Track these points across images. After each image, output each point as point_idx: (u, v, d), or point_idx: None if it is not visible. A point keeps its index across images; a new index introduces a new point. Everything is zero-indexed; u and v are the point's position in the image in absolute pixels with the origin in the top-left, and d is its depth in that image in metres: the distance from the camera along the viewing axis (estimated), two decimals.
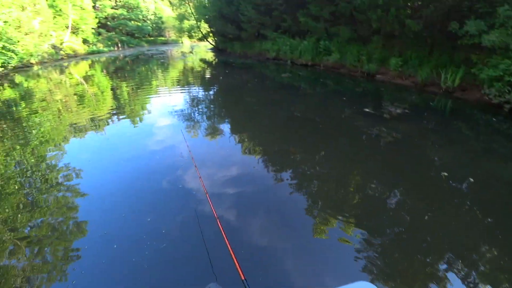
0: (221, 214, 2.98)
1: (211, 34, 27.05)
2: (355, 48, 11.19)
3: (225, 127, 6.05)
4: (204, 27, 27.78)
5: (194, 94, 9.52)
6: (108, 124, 6.64)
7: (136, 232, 2.82)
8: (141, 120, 6.83)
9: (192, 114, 6.88)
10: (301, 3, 13.60)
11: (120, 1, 42.89)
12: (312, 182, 3.70)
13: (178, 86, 11.26)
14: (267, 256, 2.47)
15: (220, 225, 1.99)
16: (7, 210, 3.29)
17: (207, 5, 24.35)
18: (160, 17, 49.57)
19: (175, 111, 7.18)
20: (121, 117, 7.19)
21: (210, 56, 24.32)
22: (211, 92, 10.00)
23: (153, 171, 4.05)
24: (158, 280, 2.25)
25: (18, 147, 5.34)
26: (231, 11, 19.22)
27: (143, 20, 46.40)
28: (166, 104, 8.22)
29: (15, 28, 17.98)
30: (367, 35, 11.02)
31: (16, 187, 3.85)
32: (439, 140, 5.04)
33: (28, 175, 4.21)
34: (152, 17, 49.01)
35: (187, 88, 10.73)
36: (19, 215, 3.19)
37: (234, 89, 10.25)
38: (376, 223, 2.88)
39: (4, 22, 14.71)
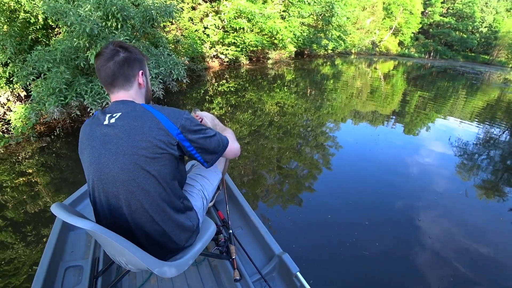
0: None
1: None
2: None
3: (503, 191, 4.42)
4: None
5: (490, 134, 7.07)
6: (383, 123, 6.88)
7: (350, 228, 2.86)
8: (415, 134, 6.31)
9: (473, 156, 5.33)
10: None
11: (452, 9, 39.19)
12: None
13: (475, 117, 8.97)
14: None
15: None
16: (283, 144, 4.55)
17: None
18: (496, 31, 40.15)
19: (455, 143, 5.87)
20: (398, 122, 7.16)
21: None
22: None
23: (396, 193, 3.60)
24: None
25: (312, 109, 6.96)
26: None
27: (471, 32, 40.18)
28: (449, 130, 6.89)
29: (352, 23, 22.01)
30: None
31: (295, 133, 5.17)
32: None
33: (307, 131, 5.48)
34: (485, 30, 41.03)
35: (486, 122, 8.22)
36: (288, 150, 4.35)
37: None
38: None
39: (347, 18, 18.37)
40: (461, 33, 39.18)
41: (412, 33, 34.35)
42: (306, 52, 17.19)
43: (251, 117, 5.54)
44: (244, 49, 10.69)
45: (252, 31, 11.02)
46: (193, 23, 9.77)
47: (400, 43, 33.74)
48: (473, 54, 42.04)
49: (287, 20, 13.72)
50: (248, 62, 11.49)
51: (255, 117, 5.58)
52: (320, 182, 3.64)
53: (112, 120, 0.95)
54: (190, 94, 6.64)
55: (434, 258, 2.49)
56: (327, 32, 17.56)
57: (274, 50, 13.19)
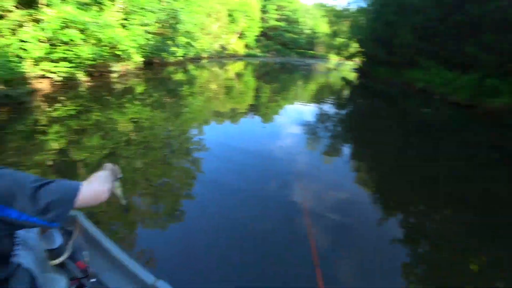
0: (316, 232, 2.95)
1: (359, 54, 26.44)
2: None
3: (341, 150, 5.91)
4: (355, 46, 27.47)
5: (324, 110, 9.61)
6: (242, 117, 7.68)
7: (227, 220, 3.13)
8: (271, 121, 7.55)
9: (316, 131, 6.92)
10: (474, 30, 11.55)
11: (283, 15, 47.95)
12: (419, 242, 3.14)
13: (312, 99, 11.67)
14: None
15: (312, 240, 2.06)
16: (147, 159, 4.36)
17: (363, 24, 23.93)
18: (315, 32, 52.68)
19: (302, 122, 7.46)
20: (255, 114, 8.15)
21: (352, 76, 23.86)
22: (341, 113, 9.83)
23: (264, 173, 4.29)
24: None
25: (172, 117, 6.90)
26: (386, 34, 18.22)
27: (299, 33, 50.49)
28: (297, 112, 8.75)
29: (199, 29, 22.90)
30: None
31: (159, 145, 5.03)
32: None
33: (171, 140, 5.42)
34: (308, 31, 52.79)
35: (320, 102, 10.95)
36: (154, 167, 4.18)
37: (365, 115, 9.72)
38: None
39: (194, 24, 19.01)
40: (292, 35, 48.42)
41: (255, 36, 39.11)
42: (155, 60, 16.67)
43: (102, 141, 4.98)
44: (80, 65, 9.30)
45: (87, 42, 9.78)
46: (1, 36, 7.82)
47: (246, 45, 37.59)
48: (303, 50, 52.73)
49: (129, 29, 12.90)
50: (88, 78, 10.03)
51: (107, 140, 5.05)
52: (197, 188, 3.73)
53: None
54: (11, 128, 5.30)
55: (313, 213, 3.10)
56: (175, 39, 17.60)
57: (118, 62, 12.08)
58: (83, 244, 1.55)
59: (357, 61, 26.93)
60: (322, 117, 8.62)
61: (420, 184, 4.43)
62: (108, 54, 10.69)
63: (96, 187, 1.00)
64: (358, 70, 26.53)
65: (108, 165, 1.21)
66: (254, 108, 8.85)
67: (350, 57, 28.31)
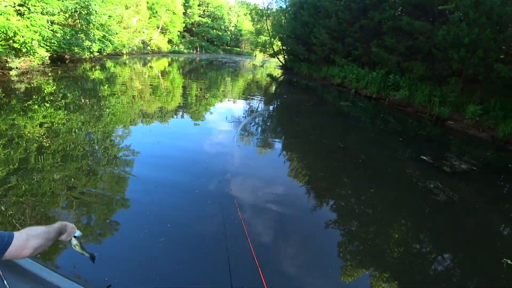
0: (247, 220, 3.02)
1: (282, 52, 27.82)
2: (427, 88, 10.46)
3: (271, 143, 6.14)
4: (277, 44, 28.79)
5: (252, 106, 9.90)
6: (171, 117, 7.32)
7: (163, 220, 3.06)
8: (201, 120, 7.36)
9: (247, 125, 7.13)
10: (377, 33, 13.30)
11: (207, 11, 47.31)
12: (349, 221, 3.50)
13: (241, 95, 11.83)
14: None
15: (246, 230, 2.08)
16: (67, 171, 3.81)
17: (283, 24, 25.22)
18: (240, 30, 53.53)
19: (232, 118, 7.57)
20: (185, 113, 7.85)
21: (277, 72, 24.99)
22: (269, 108, 10.27)
23: (195, 171, 4.30)
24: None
25: (92, 120, 6.15)
26: (305, 33, 19.59)
27: (224, 30, 50.52)
28: (226, 109, 8.79)
29: (117, 23, 20.91)
30: (444, 76, 10.23)
31: (81, 154, 4.43)
32: (511, 213, 4.19)
33: (93, 146, 4.83)
34: (233, 29, 53.30)
35: (248, 98, 11.19)
36: (78, 178, 3.67)
37: (291, 108, 10.38)
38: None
39: (109, 16, 17.25)
40: (217, 31, 48.06)
41: (179, 31, 37.52)
42: (66, 56, 14.64)
43: (6, 152, 4.14)
44: None
45: None
46: None
47: (170, 41, 35.85)
48: (229, 47, 53.12)
49: (28, 17, 10.99)
50: None
51: (12, 150, 4.22)
52: (130, 193, 3.48)
53: None
54: None
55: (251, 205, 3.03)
56: (88, 32, 15.72)
57: (17, 57, 10.21)
58: None
59: (280, 59, 28.30)
60: (251, 112, 8.88)
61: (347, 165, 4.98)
62: (2, 47, 8.93)
63: (30, 242, 0.95)
64: (283, 67, 27.95)
65: (62, 223, 1.19)
66: (182, 107, 8.53)
67: (274, 54, 29.57)
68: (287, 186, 4.18)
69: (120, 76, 13.47)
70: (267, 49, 30.99)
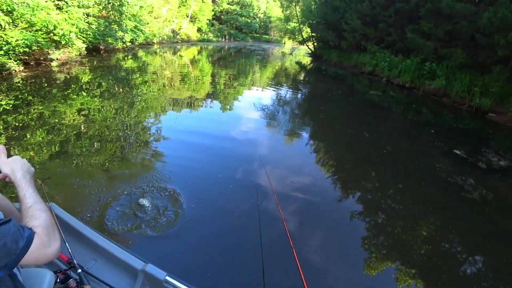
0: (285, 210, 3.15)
1: (312, 39, 27.05)
2: (467, 77, 9.72)
3: (299, 133, 6.12)
4: (307, 31, 28.00)
5: (281, 95, 9.87)
6: (200, 105, 7.52)
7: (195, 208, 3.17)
8: (230, 108, 7.53)
9: (275, 114, 7.24)
10: (413, 17, 12.48)
11: None
12: (375, 215, 3.45)
13: (269, 83, 11.80)
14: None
15: (286, 226, 2.48)
16: (102, 155, 4.08)
17: (313, 9, 24.41)
18: (269, 17, 52.35)
19: (261, 107, 7.70)
20: (213, 101, 8.04)
21: (306, 60, 24.42)
22: (298, 96, 10.13)
23: (226, 157, 4.44)
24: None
25: (125, 107, 6.48)
26: (335, 18, 18.83)
27: (253, 17, 49.81)
28: (255, 98, 8.88)
29: (148, 13, 21.44)
30: (488, 63, 9.43)
31: (114, 138, 4.72)
32: None
33: (126, 131, 5.11)
34: (262, 16, 52.30)
35: (276, 87, 11.12)
36: (111, 161, 3.92)
37: (319, 98, 10.16)
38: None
39: (140, 6, 17.74)
40: (246, 18, 47.50)
41: (207, 19, 37.64)
42: (101, 47, 15.33)
43: (49, 136, 4.52)
44: (10, 52, 8.16)
45: (17, 26, 8.60)
46: None
47: (199, 30, 36.14)
48: (257, 35, 52.38)
49: (66, 11, 11.61)
50: (22, 68, 8.90)
51: (54, 135, 4.60)
52: (163, 170, 3.77)
53: None
54: None
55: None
56: (121, 23, 16.30)
57: (57, 49, 10.88)
58: (62, 236, 1.47)
59: (310, 46, 27.56)
60: (279, 101, 8.86)
61: (378, 158, 4.84)
62: (44, 40, 9.55)
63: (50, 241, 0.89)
64: (312, 54, 27.23)
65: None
66: (212, 95, 8.70)
67: (303, 41, 28.82)
68: (313, 176, 4.20)
69: (151, 65, 13.91)
70: (296, 36, 30.26)
